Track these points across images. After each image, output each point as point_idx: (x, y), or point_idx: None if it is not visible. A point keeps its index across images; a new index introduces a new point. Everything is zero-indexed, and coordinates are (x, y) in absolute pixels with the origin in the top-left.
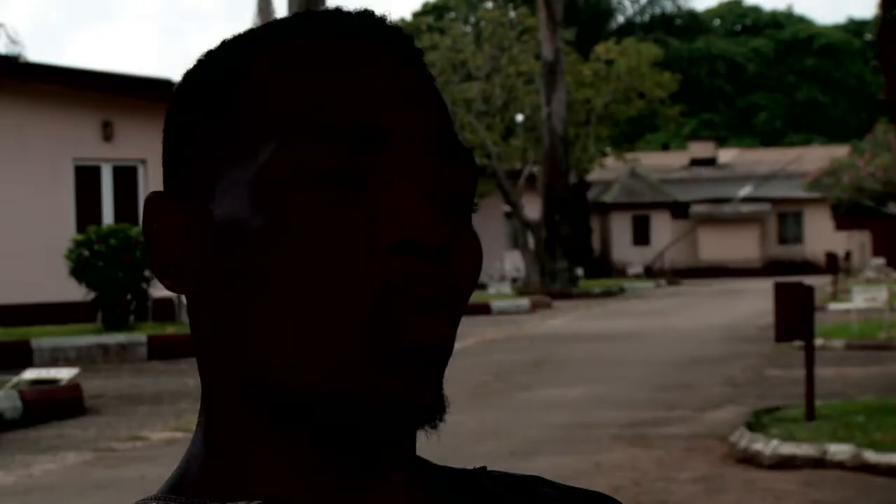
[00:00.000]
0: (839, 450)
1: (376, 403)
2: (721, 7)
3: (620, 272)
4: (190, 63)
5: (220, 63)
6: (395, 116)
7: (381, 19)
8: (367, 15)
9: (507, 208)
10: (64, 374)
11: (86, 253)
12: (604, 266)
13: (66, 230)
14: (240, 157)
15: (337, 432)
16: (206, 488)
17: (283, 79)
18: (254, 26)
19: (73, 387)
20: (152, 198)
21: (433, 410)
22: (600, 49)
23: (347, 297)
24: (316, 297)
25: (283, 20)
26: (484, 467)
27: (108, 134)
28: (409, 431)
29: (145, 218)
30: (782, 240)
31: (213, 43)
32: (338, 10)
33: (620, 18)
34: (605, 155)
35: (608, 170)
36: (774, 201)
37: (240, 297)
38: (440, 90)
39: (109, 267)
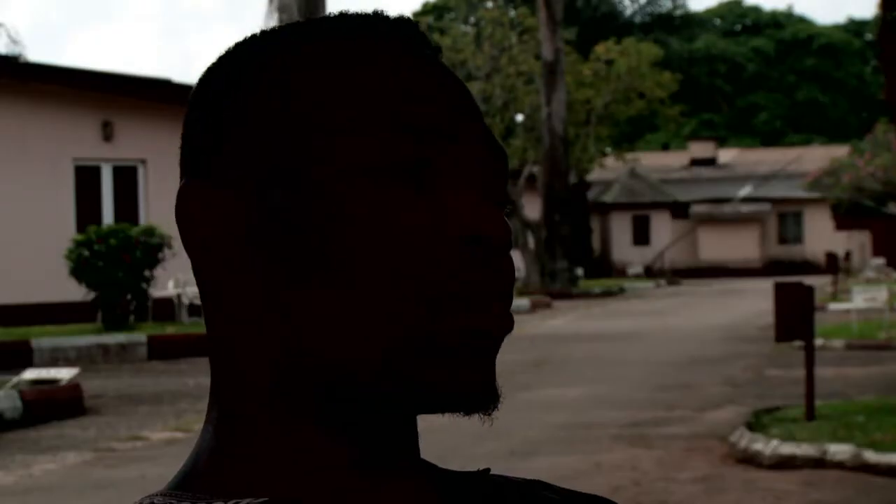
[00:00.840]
0: (839, 450)
1: (431, 387)
2: (721, 7)
3: (620, 272)
4: (220, 50)
5: (265, 51)
6: (458, 117)
7: (418, 25)
8: (405, 21)
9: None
10: (64, 374)
11: (86, 253)
12: (604, 266)
13: (66, 230)
14: (297, 147)
15: (370, 420)
16: (214, 484)
17: (342, 74)
18: (295, 22)
19: (73, 387)
20: (188, 184)
21: (487, 399)
22: (600, 49)
23: (416, 282)
24: (382, 281)
25: (324, 19)
26: (487, 469)
27: (108, 134)
28: (467, 414)
29: (180, 203)
30: (782, 240)
31: (214, 42)
32: (377, 14)
33: (621, 18)
34: (605, 155)
35: (608, 170)
36: (774, 201)
37: (293, 282)
38: None
39: (109, 267)
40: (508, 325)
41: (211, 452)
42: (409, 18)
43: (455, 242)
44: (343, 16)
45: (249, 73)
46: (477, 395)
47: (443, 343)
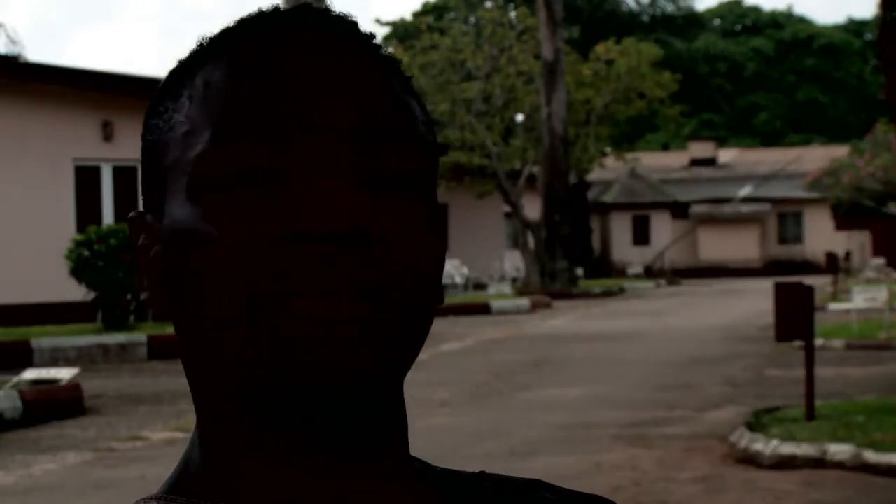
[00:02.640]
0: (839, 450)
1: (290, 386)
2: (721, 7)
3: (620, 272)
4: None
5: (171, 79)
6: (308, 110)
7: (323, 11)
8: (305, 9)
9: (507, 208)
10: (64, 374)
11: (86, 253)
12: (604, 266)
13: (66, 230)
14: (177, 168)
15: (292, 420)
16: (205, 490)
17: (209, 88)
18: (201, 38)
19: (73, 387)
20: (133, 216)
21: (343, 391)
22: (600, 49)
23: (252, 288)
24: (232, 291)
25: (226, 27)
26: (483, 472)
27: (108, 134)
28: (336, 409)
29: (130, 236)
30: (782, 240)
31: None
32: (275, 10)
33: (623, 18)
34: (605, 155)
35: (608, 170)
36: (774, 201)
37: (186, 299)
38: (391, 75)
39: (109, 267)
40: (349, 316)
41: (199, 458)
42: (309, 5)
43: (287, 242)
44: (246, 17)
45: (155, 106)
46: (331, 388)
47: (284, 342)
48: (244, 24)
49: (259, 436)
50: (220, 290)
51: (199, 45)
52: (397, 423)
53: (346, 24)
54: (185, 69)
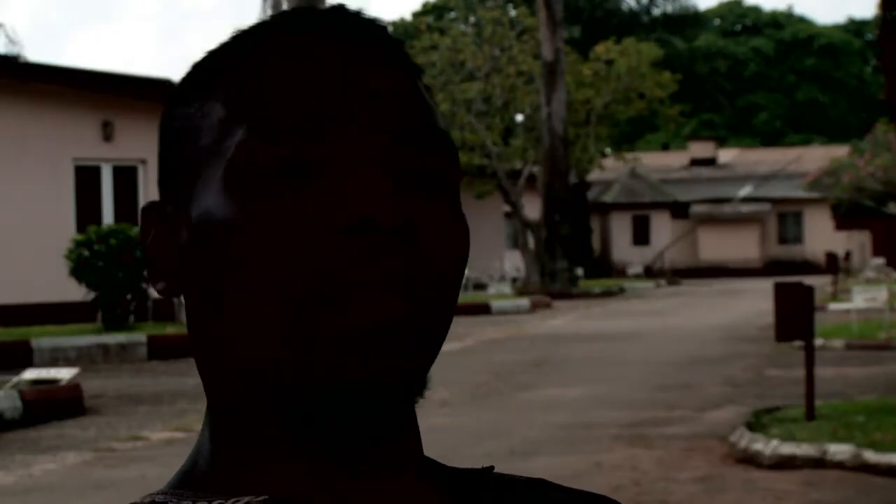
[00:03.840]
0: (839, 450)
1: (335, 384)
2: (721, 7)
3: (620, 272)
4: (185, 68)
5: (200, 69)
6: (349, 106)
7: (356, 14)
8: (340, 10)
9: (507, 208)
10: (64, 374)
11: (86, 253)
12: (604, 266)
13: (66, 230)
14: (212, 156)
15: (320, 419)
16: (213, 485)
17: (248, 78)
18: (235, 30)
19: (73, 387)
20: (146, 207)
21: (387, 390)
22: (600, 49)
23: (299, 280)
24: (275, 283)
25: (261, 21)
26: (491, 466)
27: (108, 134)
28: (371, 410)
29: (141, 227)
30: (782, 240)
31: (214, 42)
32: (311, 8)
33: (624, 17)
34: (605, 155)
35: (608, 170)
36: (774, 201)
37: (216, 291)
38: (416, 79)
39: (109, 267)
40: (400, 313)
41: (208, 453)
42: (343, 6)
43: (337, 233)
44: (281, 14)
45: (183, 93)
46: (369, 386)
47: (330, 338)
48: (280, 19)
49: (272, 433)
50: (259, 283)
51: (232, 37)
52: (407, 420)
53: (378, 28)
54: (217, 59)
